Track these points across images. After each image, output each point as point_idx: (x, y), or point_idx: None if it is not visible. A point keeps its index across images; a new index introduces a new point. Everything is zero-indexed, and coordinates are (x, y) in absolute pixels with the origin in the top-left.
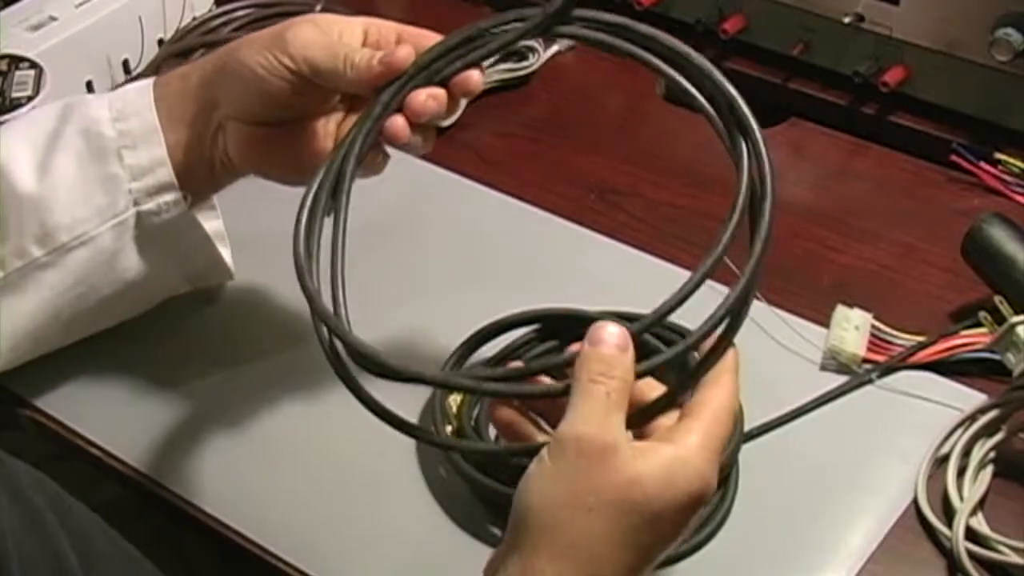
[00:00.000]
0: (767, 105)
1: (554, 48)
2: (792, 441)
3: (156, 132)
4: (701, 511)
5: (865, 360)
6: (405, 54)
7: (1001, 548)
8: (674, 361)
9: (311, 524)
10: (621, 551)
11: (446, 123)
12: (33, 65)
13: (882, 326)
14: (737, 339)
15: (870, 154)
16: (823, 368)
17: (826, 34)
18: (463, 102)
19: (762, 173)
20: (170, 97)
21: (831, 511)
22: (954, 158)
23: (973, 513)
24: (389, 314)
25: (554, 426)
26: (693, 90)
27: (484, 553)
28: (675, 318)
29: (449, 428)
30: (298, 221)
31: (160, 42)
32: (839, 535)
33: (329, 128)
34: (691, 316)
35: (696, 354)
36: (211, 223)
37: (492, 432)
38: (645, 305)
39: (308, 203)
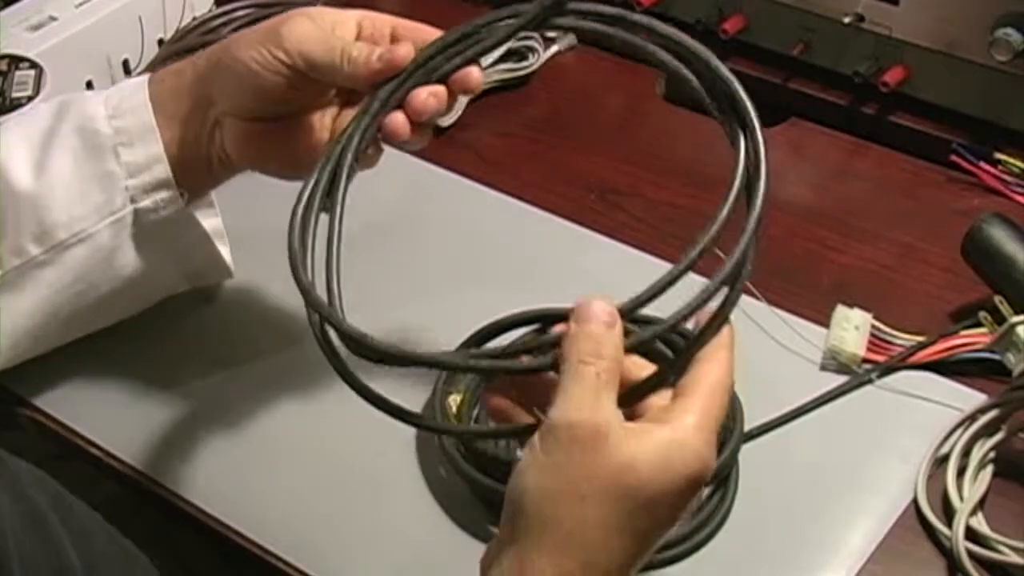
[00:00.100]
0: (767, 105)
1: (554, 48)
2: (792, 441)
3: (152, 129)
4: (700, 492)
5: (865, 360)
6: (405, 52)
7: (1001, 548)
8: (664, 334)
9: (311, 523)
10: (617, 538)
11: (446, 123)
12: (33, 65)
13: (882, 326)
14: (737, 339)
15: (870, 154)
16: (823, 368)
17: (826, 34)
18: (463, 100)
19: (758, 157)
20: (165, 94)
21: (831, 511)
22: (954, 158)
23: (973, 513)
24: (389, 314)
25: (547, 412)
26: (690, 75)
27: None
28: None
29: None
30: (293, 214)
31: (160, 42)
32: (839, 535)
33: (325, 122)
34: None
35: (692, 326)
36: (209, 221)
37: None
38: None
39: (304, 198)
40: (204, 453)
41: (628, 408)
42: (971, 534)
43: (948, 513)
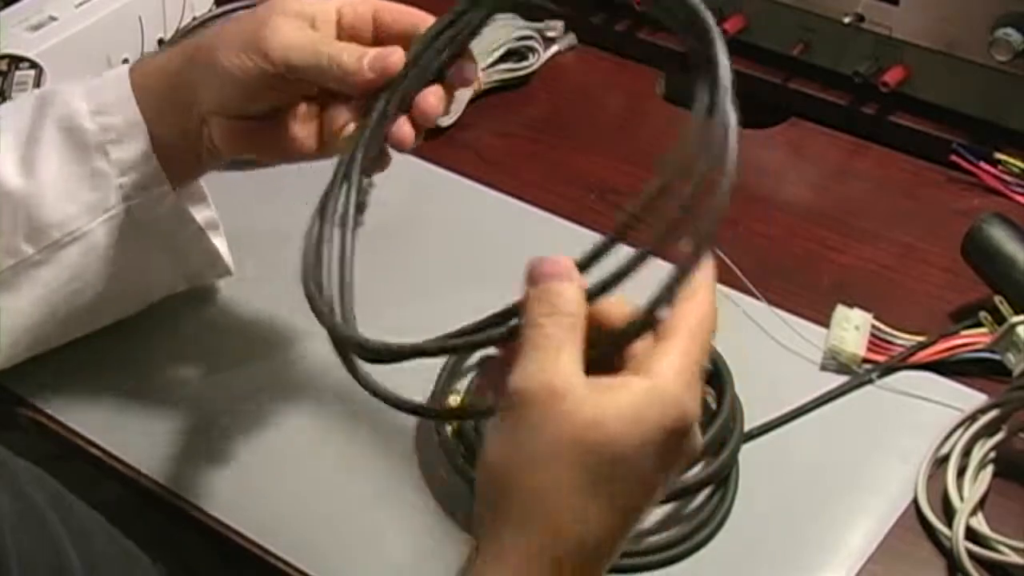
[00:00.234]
0: (767, 105)
1: (554, 48)
2: (792, 441)
3: (140, 125)
4: (690, 445)
5: (865, 360)
6: (397, 59)
7: (1001, 548)
8: (630, 270)
9: (311, 523)
10: (590, 501)
11: (446, 123)
12: (33, 65)
13: (882, 326)
14: (737, 339)
15: (870, 154)
16: (823, 368)
17: (826, 34)
18: (463, 100)
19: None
20: (150, 87)
21: (831, 511)
22: (954, 158)
23: (973, 513)
24: (389, 314)
25: None
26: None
27: None
28: None
29: (449, 428)
30: (308, 235)
31: (160, 42)
32: (839, 535)
33: (313, 111)
34: None
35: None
36: (202, 213)
37: None
38: None
39: (319, 216)
40: (204, 453)
41: (610, 356)
42: (971, 534)
43: (948, 513)
